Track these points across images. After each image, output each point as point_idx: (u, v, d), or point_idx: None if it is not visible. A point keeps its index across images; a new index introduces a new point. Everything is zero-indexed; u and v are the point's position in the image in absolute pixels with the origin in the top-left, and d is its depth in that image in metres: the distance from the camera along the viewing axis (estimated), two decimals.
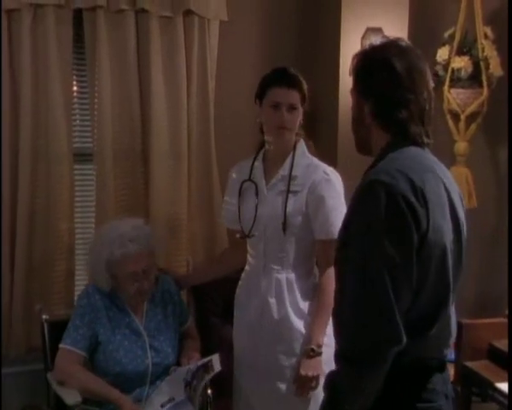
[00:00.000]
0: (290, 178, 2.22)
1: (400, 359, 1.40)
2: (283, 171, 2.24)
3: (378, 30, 2.85)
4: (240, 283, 2.36)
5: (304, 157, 2.26)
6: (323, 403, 1.52)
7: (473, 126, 3.09)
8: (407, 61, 1.48)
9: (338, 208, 2.20)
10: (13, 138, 2.62)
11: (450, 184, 1.51)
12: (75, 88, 2.81)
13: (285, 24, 3.06)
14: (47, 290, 2.71)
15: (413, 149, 1.49)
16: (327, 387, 1.50)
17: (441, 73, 3.04)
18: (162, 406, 2.22)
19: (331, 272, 2.16)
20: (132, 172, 2.82)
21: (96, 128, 2.75)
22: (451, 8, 3.09)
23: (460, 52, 3.02)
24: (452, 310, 1.52)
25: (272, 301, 2.22)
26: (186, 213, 2.90)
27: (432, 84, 1.54)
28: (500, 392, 2.61)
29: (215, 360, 2.19)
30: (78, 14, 2.68)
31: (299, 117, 2.22)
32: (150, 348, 2.30)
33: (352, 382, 1.42)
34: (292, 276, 2.23)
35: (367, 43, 2.81)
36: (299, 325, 2.21)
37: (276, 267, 2.23)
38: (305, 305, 2.23)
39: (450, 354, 1.54)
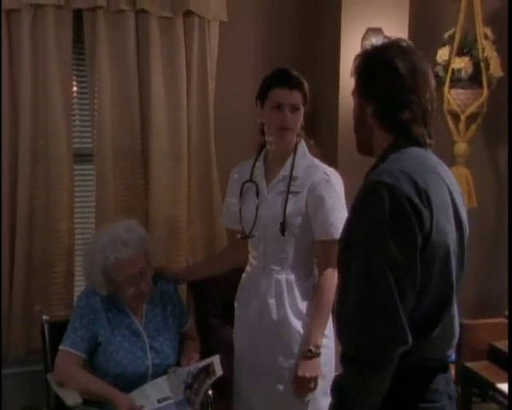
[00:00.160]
0: (291, 178, 2.22)
1: (403, 359, 1.40)
2: (284, 171, 2.24)
3: (378, 30, 2.85)
4: (241, 283, 2.36)
5: (304, 158, 2.25)
6: (331, 407, 1.52)
7: (473, 127, 3.09)
8: (410, 61, 1.48)
9: (338, 209, 2.20)
10: (12, 139, 2.62)
11: (452, 185, 1.51)
12: (75, 88, 2.81)
13: (285, 25, 3.06)
14: (47, 291, 2.71)
15: (415, 150, 1.49)
16: (334, 390, 1.50)
17: (441, 73, 3.04)
18: (159, 401, 2.22)
19: (330, 273, 2.18)
20: (132, 172, 2.82)
21: (96, 129, 2.74)
22: (451, 9, 3.09)
23: (460, 53, 3.03)
24: (455, 310, 1.52)
25: (272, 301, 2.22)
26: (186, 214, 2.90)
27: (434, 85, 1.54)
28: (501, 392, 2.61)
29: (216, 363, 2.19)
30: (77, 15, 2.68)
31: (300, 118, 2.22)
32: (150, 349, 2.30)
33: (359, 384, 1.41)
34: (291, 277, 2.23)
35: (367, 43, 2.81)
36: (298, 326, 2.21)
37: (275, 268, 2.23)
38: (304, 306, 2.22)
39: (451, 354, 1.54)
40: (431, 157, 1.52)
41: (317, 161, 2.26)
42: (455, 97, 3.05)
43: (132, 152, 2.81)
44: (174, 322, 2.40)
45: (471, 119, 3.08)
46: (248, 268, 2.34)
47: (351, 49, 2.85)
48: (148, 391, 2.23)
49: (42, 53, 2.61)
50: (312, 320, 2.19)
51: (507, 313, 2.83)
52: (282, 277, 2.23)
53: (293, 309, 2.21)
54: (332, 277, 2.21)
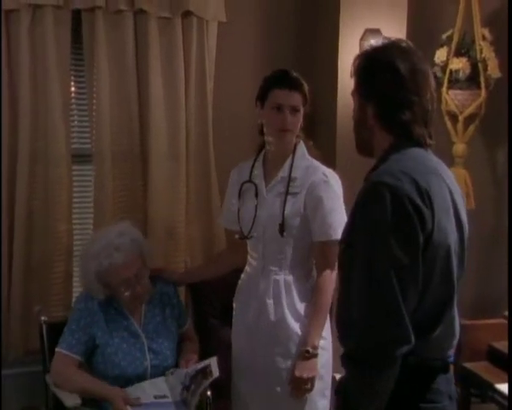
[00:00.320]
0: (289, 179, 2.22)
1: (404, 359, 1.40)
2: (283, 172, 2.24)
3: (376, 31, 2.85)
4: (239, 283, 2.36)
5: (303, 159, 2.26)
6: (336, 409, 1.52)
7: (471, 128, 3.10)
8: (410, 62, 1.48)
9: (336, 210, 2.20)
10: (11, 139, 2.62)
11: (452, 185, 1.52)
12: (73, 89, 2.81)
13: (283, 25, 3.06)
14: (45, 292, 2.71)
15: (416, 151, 1.49)
16: (338, 392, 1.50)
17: (439, 74, 3.05)
18: (155, 397, 2.21)
19: (329, 274, 2.19)
20: (131, 173, 2.82)
21: (95, 129, 2.74)
22: (449, 10, 3.10)
23: (458, 53, 3.03)
24: (456, 311, 1.52)
25: (270, 302, 2.22)
26: (184, 215, 2.89)
27: (434, 85, 1.54)
28: (500, 393, 2.62)
29: (213, 365, 2.19)
30: (76, 15, 2.68)
31: (300, 119, 2.22)
32: (149, 351, 2.29)
33: (364, 384, 1.42)
34: (290, 278, 2.23)
35: (365, 44, 2.82)
36: (296, 327, 2.21)
37: (274, 269, 2.23)
38: (302, 307, 2.22)
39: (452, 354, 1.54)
40: (431, 158, 1.53)
41: (315, 162, 2.26)
42: (453, 98, 3.05)
43: (131, 153, 2.81)
44: (173, 323, 2.39)
45: (469, 119, 3.08)
46: (247, 269, 2.34)
47: (349, 49, 2.86)
48: (145, 386, 2.23)
49: (41, 53, 2.61)
50: (310, 321, 2.19)
51: (506, 313, 2.83)
52: (281, 277, 2.22)
53: (291, 310, 2.21)
54: (330, 278, 2.21)
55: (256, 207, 2.25)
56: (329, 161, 2.41)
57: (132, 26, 2.73)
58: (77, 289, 2.73)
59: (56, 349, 2.26)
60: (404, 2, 2.95)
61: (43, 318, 2.42)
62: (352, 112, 1.60)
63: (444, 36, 3.09)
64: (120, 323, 2.30)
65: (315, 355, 2.17)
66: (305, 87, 2.22)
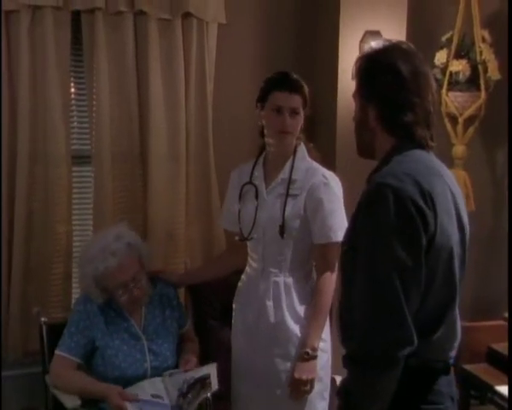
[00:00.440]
0: (290, 181, 2.22)
1: (406, 360, 1.40)
2: (283, 174, 2.24)
3: (376, 33, 2.85)
4: (239, 284, 2.36)
5: (304, 161, 2.26)
6: None
7: (470, 130, 3.10)
8: (412, 64, 1.49)
9: (336, 212, 2.20)
10: (11, 140, 2.61)
11: (454, 187, 1.52)
12: (73, 90, 2.81)
13: (283, 27, 3.06)
14: (44, 293, 2.70)
15: (418, 153, 1.50)
16: (340, 393, 1.50)
17: (439, 76, 3.05)
18: (152, 396, 2.21)
19: (328, 276, 2.19)
20: (130, 174, 2.82)
21: (95, 130, 2.74)
22: (449, 12, 3.10)
23: (458, 55, 3.03)
24: (457, 312, 1.52)
25: (269, 304, 2.22)
26: (184, 216, 2.89)
27: (435, 87, 1.54)
28: (499, 395, 2.62)
29: (213, 376, 2.19)
30: (76, 17, 2.67)
31: (300, 121, 2.22)
32: (149, 352, 2.29)
33: (366, 386, 1.42)
34: (290, 280, 2.23)
35: (365, 46, 2.82)
36: (296, 328, 2.21)
37: (274, 270, 2.23)
38: (302, 309, 2.22)
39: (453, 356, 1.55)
40: (433, 159, 1.53)
41: (315, 164, 2.26)
42: (453, 100, 3.06)
43: (131, 154, 2.80)
44: (173, 324, 2.39)
45: (469, 121, 3.09)
46: (247, 270, 2.34)
47: (349, 51, 2.86)
48: (144, 385, 2.22)
49: (40, 54, 2.61)
50: (310, 323, 2.19)
51: (506, 315, 2.84)
52: (280, 279, 2.22)
53: (290, 312, 2.21)
54: (330, 280, 2.21)
55: (256, 208, 2.25)
56: (329, 163, 2.41)
57: (132, 27, 2.73)
58: (76, 291, 2.73)
59: (55, 352, 2.26)
60: (404, 4, 2.95)
61: (43, 319, 2.42)
62: (352, 114, 1.60)
63: (443, 38, 3.09)
64: (120, 325, 2.30)
65: (314, 357, 2.17)
66: (306, 89, 2.22)
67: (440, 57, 3.06)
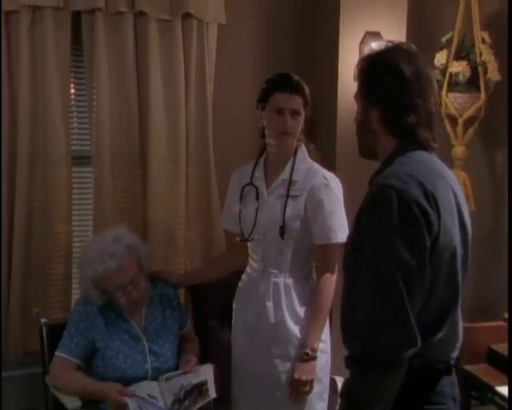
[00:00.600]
0: (290, 182, 2.22)
1: (409, 361, 1.40)
2: (284, 175, 2.25)
3: (376, 34, 2.86)
4: (240, 284, 2.36)
5: (304, 162, 2.26)
6: None
7: (470, 131, 3.10)
8: (414, 65, 1.49)
9: (336, 213, 2.20)
10: (11, 140, 2.61)
11: (456, 188, 1.53)
12: (73, 90, 2.80)
13: (283, 28, 3.06)
14: (44, 294, 2.70)
15: (421, 154, 1.50)
16: (343, 394, 1.50)
17: (439, 77, 3.05)
18: (149, 396, 2.20)
19: (329, 277, 2.19)
20: (130, 174, 2.82)
21: (95, 131, 2.74)
22: (449, 13, 3.11)
23: (458, 57, 3.04)
24: (459, 313, 1.53)
25: (269, 304, 2.22)
26: (184, 217, 2.89)
27: (437, 89, 1.54)
28: (500, 395, 2.62)
29: (210, 382, 2.18)
30: (76, 17, 2.67)
31: (301, 122, 2.22)
32: (150, 353, 2.29)
33: (369, 387, 1.42)
34: (290, 280, 2.23)
35: (365, 47, 2.82)
36: (296, 329, 2.21)
37: (274, 271, 2.23)
38: (302, 310, 2.23)
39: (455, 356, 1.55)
40: (435, 160, 1.53)
41: (316, 165, 2.26)
42: (453, 101, 3.06)
43: (130, 154, 2.80)
44: (173, 325, 2.39)
45: (469, 122, 3.09)
46: (248, 270, 2.34)
47: (349, 52, 2.86)
48: (142, 385, 2.21)
49: (40, 55, 2.61)
50: (309, 324, 2.19)
51: (506, 316, 2.84)
52: (280, 280, 2.23)
53: (290, 313, 2.22)
54: (330, 281, 2.22)
55: (257, 209, 2.25)
56: (329, 164, 2.41)
57: (132, 27, 2.73)
58: (76, 291, 2.72)
59: (55, 353, 2.26)
60: (404, 4, 2.95)
61: (43, 319, 2.42)
62: (354, 115, 1.60)
63: (443, 39, 3.10)
64: (120, 326, 2.29)
65: (314, 358, 2.17)
66: (306, 90, 2.22)
67: (440, 58, 3.06)
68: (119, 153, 2.78)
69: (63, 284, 2.74)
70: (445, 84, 3.03)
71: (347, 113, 2.56)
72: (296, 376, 2.16)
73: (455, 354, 1.53)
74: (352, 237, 1.52)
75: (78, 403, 2.16)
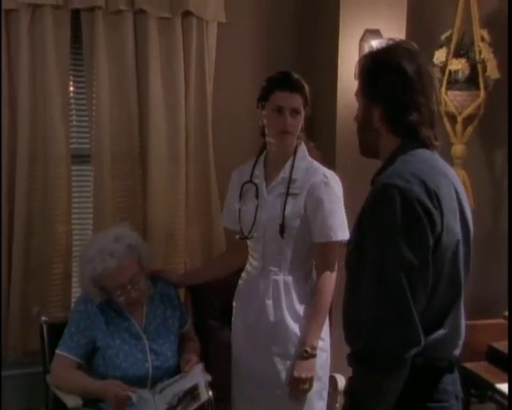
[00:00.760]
0: (290, 180, 2.22)
1: (412, 359, 1.40)
2: (284, 173, 2.25)
3: (376, 32, 2.85)
4: (240, 283, 2.37)
5: (304, 160, 2.26)
6: (345, 409, 1.52)
7: (469, 129, 3.10)
8: (416, 63, 1.49)
9: (336, 211, 2.21)
10: (10, 139, 2.61)
11: (458, 186, 1.53)
12: (73, 89, 2.80)
13: (283, 26, 3.05)
14: (44, 293, 2.70)
15: (423, 152, 1.50)
16: (346, 393, 1.51)
17: (438, 75, 3.05)
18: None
19: (328, 276, 2.19)
20: (130, 174, 2.81)
21: (94, 130, 2.73)
22: (448, 11, 3.11)
23: (457, 54, 3.04)
24: (462, 311, 1.53)
25: (269, 303, 2.23)
26: (184, 216, 2.88)
27: (438, 87, 1.54)
28: (500, 393, 2.63)
29: (201, 385, 2.18)
30: (75, 15, 2.67)
31: (301, 121, 2.22)
32: (150, 352, 2.29)
33: (373, 386, 1.42)
34: (289, 279, 2.23)
35: (365, 45, 2.82)
36: (295, 328, 2.21)
37: (274, 269, 2.24)
38: (301, 309, 2.23)
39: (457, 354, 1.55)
40: (437, 158, 1.53)
41: (316, 164, 2.27)
42: (452, 99, 3.06)
43: (130, 153, 2.80)
44: (174, 324, 2.39)
45: (468, 120, 3.09)
46: (248, 268, 2.34)
47: (349, 50, 2.86)
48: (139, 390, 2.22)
49: (40, 53, 2.60)
50: (309, 322, 2.20)
51: (506, 313, 2.84)
52: (280, 278, 2.23)
53: (290, 311, 2.22)
54: (330, 279, 2.22)
55: (256, 207, 2.25)
56: (329, 162, 2.41)
57: (132, 26, 2.72)
58: (76, 290, 2.72)
59: (56, 351, 2.27)
60: (404, 2, 2.95)
61: (43, 318, 2.42)
62: (354, 113, 1.60)
63: (443, 37, 3.09)
64: (121, 324, 2.30)
65: (313, 356, 2.17)
66: (306, 89, 2.22)
67: (440, 56, 3.06)
68: (119, 152, 2.78)
69: (63, 283, 2.74)
70: (445, 82, 3.03)
71: (347, 111, 2.55)
72: (296, 374, 2.16)
73: (457, 351, 1.53)
74: (354, 236, 1.51)
75: (79, 402, 2.17)
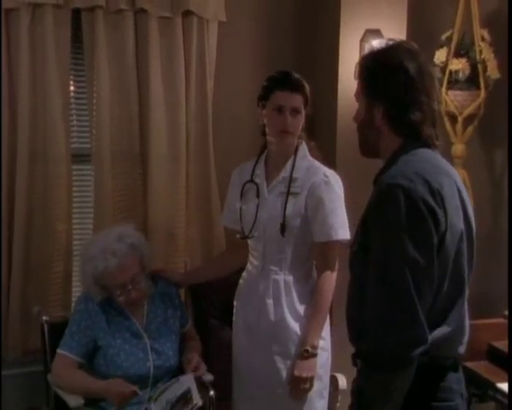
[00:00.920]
0: (291, 179, 2.22)
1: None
2: (284, 173, 2.25)
3: (377, 32, 2.85)
4: (240, 282, 2.37)
5: (305, 160, 2.26)
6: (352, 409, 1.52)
7: (470, 128, 3.11)
8: (417, 63, 1.49)
9: (337, 210, 2.21)
10: (11, 139, 2.60)
11: (460, 184, 1.53)
12: (73, 88, 2.80)
13: (284, 25, 3.05)
14: (44, 292, 2.69)
15: (425, 151, 1.50)
16: (353, 393, 1.50)
17: (439, 75, 3.05)
18: None
19: (329, 275, 2.20)
20: (130, 173, 2.81)
21: (95, 129, 2.73)
22: (449, 11, 3.11)
23: (457, 54, 3.04)
24: (466, 309, 1.53)
25: (270, 302, 2.23)
26: (184, 215, 2.88)
27: (438, 87, 1.55)
28: (501, 392, 2.63)
29: (193, 389, 2.18)
30: (76, 15, 2.66)
31: (301, 121, 2.22)
32: (151, 351, 2.29)
33: (381, 385, 1.42)
34: (290, 278, 2.23)
35: (366, 45, 2.82)
36: (296, 327, 2.21)
37: (274, 268, 2.24)
38: (302, 308, 2.23)
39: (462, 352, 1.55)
40: (439, 158, 1.54)
41: (316, 163, 2.27)
42: (452, 99, 3.06)
43: (130, 153, 2.79)
44: (175, 323, 2.40)
45: (468, 120, 3.09)
46: (248, 267, 2.35)
47: (349, 50, 2.86)
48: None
49: (40, 53, 2.59)
50: (310, 321, 2.20)
51: (506, 313, 2.85)
52: (280, 277, 2.23)
53: (290, 310, 2.22)
54: (330, 278, 2.22)
55: (257, 206, 2.26)
56: (330, 162, 2.42)
57: (133, 25, 2.72)
58: (76, 289, 2.72)
59: (57, 351, 2.27)
60: (404, 2, 2.95)
61: (44, 318, 2.42)
62: (354, 113, 1.60)
63: (443, 36, 3.10)
64: (122, 323, 2.30)
65: (314, 355, 2.18)
66: (307, 89, 2.22)
67: (440, 56, 3.06)
68: (120, 151, 2.77)
69: (63, 282, 2.73)
70: (445, 81, 3.04)
71: (348, 111, 2.55)
72: (296, 373, 2.16)
73: (462, 349, 1.53)
74: (358, 237, 1.52)
75: (81, 401, 2.17)
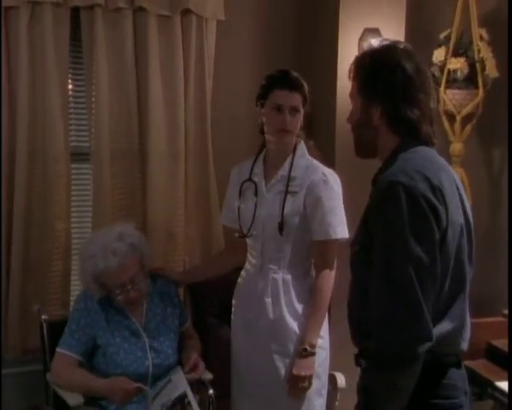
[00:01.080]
0: (289, 178, 2.23)
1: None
2: (283, 171, 2.25)
3: (375, 31, 2.85)
4: (239, 280, 2.37)
5: (303, 158, 2.27)
6: (359, 408, 1.52)
7: (468, 127, 3.11)
8: (414, 62, 1.50)
9: (335, 209, 2.21)
10: (10, 137, 2.60)
11: (458, 181, 1.54)
12: (72, 86, 2.79)
13: (283, 24, 3.05)
14: (43, 291, 2.69)
15: (423, 149, 1.51)
16: (360, 391, 1.50)
17: (437, 74, 3.06)
18: None
19: (327, 274, 2.20)
20: (129, 171, 2.81)
21: (94, 127, 2.73)
22: (447, 10, 3.11)
23: (456, 53, 3.05)
24: (467, 305, 1.53)
25: (268, 300, 2.23)
26: (183, 214, 2.88)
27: (433, 85, 1.55)
28: (500, 391, 2.63)
29: (188, 392, 2.18)
30: (75, 13, 2.66)
31: (300, 119, 2.22)
32: (150, 349, 2.29)
33: (387, 383, 1.42)
34: (288, 277, 2.24)
35: (364, 44, 2.82)
36: (294, 325, 2.22)
37: (272, 267, 2.24)
38: (300, 307, 2.23)
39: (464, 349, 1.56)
40: (437, 155, 1.54)
41: (315, 162, 2.27)
42: (451, 98, 3.07)
43: (129, 151, 2.79)
44: (174, 322, 2.39)
45: (466, 119, 3.10)
46: (247, 266, 2.35)
47: (348, 49, 2.86)
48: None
49: (39, 51, 2.59)
50: (308, 320, 2.20)
51: (505, 311, 2.85)
52: (279, 276, 2.23)
53: (289, 309, 2.22)
54: (329, 277, 2.22)
55: (256, 205, 2.26)
56: (328, 161, 2.42)
57: (131, 24, 2.71)
58: (75, 288, 2.72)
59: (56, 349, 2.27)
60: (403, 1, 2.95)
61: (43, 316, 2.42)
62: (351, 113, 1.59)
63: (441, 36, 3.10)
64: (121, 322, 2.30)
65: (313, 354, 2.18)
66: (306, 87, 2.23)
67: (438, 55, 3.07)
68: (118, 149, 2.77)
69: (62, 280, 2.73)
70: (444, 80, 3.04)
71: (346, 110, 2.53)
72: (295, 372, 2.17)
73: (464, 345, 1.53)
74: (359, 236, 1.52)
75: (81, 400, 2.16)
